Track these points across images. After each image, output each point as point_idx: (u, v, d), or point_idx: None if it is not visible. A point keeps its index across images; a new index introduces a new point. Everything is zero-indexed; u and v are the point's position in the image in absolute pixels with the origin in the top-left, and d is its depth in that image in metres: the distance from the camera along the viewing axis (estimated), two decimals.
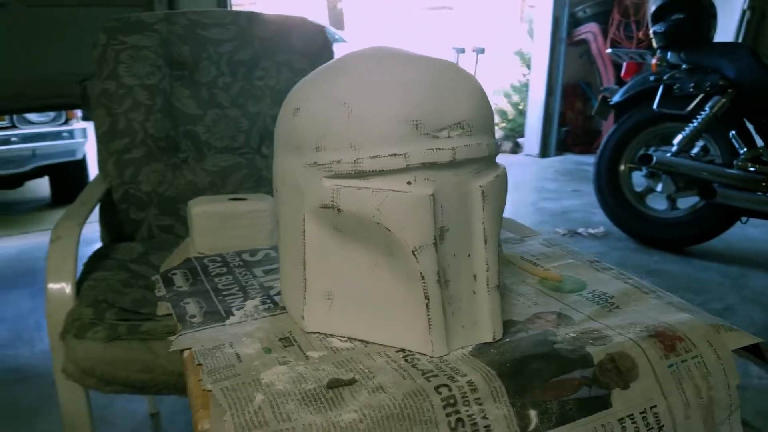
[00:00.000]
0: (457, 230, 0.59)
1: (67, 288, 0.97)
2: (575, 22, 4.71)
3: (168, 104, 1.41)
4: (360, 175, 0.57)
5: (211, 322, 0.65)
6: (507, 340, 0.62)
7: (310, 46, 1.56)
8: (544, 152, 4.96)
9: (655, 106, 2.64)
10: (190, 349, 0.59)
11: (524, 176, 4.37)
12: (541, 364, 0.57)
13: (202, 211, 1.04)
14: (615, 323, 0.64)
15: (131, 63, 1.40)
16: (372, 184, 0.56)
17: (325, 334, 0.62)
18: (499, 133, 5.64)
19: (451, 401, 0.52)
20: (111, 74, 1.39)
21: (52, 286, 0.97)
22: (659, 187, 2.75)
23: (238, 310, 0.67)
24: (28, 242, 2.77)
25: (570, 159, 4.84)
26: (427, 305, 0.58)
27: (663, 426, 0.58)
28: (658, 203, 2.85)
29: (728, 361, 0.63)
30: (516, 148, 5.28)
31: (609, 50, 3.33)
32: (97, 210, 1.35)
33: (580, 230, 3.03)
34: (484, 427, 0.52)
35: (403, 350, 0.59)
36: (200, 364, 0.57)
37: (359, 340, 0.61)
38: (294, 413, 0.49)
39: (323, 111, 0.58)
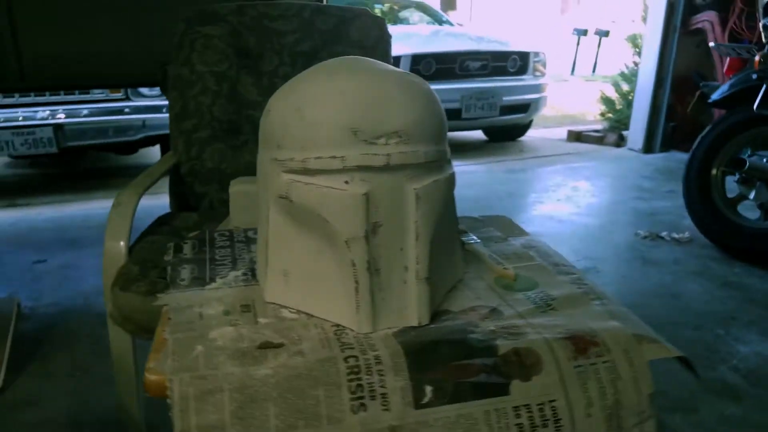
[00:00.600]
0: (390, 226, 0.67)
1: (121, 247, 1.14)
2: (692, 10, 4.44)
3: (233, 90, 1.57)
4: (308, 172, 0.66)
5: (194, 286, 0.78)
6: (432, 326, 0.69)
7: (366, 39, 1.65)
8: (648, 148, 4.74)
9: (755, 106, 2.48)
10: (167, 306, 0.72)
11: (622, 172, 4.22)
12: (447, 349, 0.64)
13: (239, 190, 1.18)
14: (540, 322, 0.70)
15: (203, 51, 1.56)
16: (316, 180, 0.66)
17: (279, 305, 0.73)
18: (603, 125, 5.44)
19: (356, 370, 0.61)
20: (185, 61, 1.56)
21: (109, 244, 1.14)
22: (752, 195, 2.60)
23: (221, 278, 0.80)
24: (141, 202, 3.11)
25: (674, 157, 4.60)
26: (356, 289, 0.67)
27: (560, 419, 0.63)
28: (749, 212, 2.69)
29: (642, 369, 0.66)
30: (620, 142, 5.08)
31: (712, 44, 3.14)
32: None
33: (663, 234, 2.92)
34: (381, 394, 0.61)
35: (338, 325, 0.69)
36: (170, 319, 0.69)
37: (305, 313, 0.71)
38: (222, 364, 0.61)
39: (283, 114, 0.68)
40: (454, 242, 0.80)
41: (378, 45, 1.66)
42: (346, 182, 0.65)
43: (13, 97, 3.02)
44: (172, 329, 0.67)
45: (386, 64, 0.73)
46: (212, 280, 0.79)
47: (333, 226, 0.66)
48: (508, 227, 1.02)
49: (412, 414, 0.61)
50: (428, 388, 0.62)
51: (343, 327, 0.68)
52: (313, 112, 0.66)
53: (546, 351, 0.65)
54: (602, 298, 0.77)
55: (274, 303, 0.73)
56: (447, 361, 0.64)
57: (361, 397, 0.61)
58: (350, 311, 0.67)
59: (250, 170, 1.55)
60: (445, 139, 0.72)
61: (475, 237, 0.95)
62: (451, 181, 0.72)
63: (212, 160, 1.54)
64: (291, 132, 0.67)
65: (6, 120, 2.99)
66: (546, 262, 0.87)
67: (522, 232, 1.00)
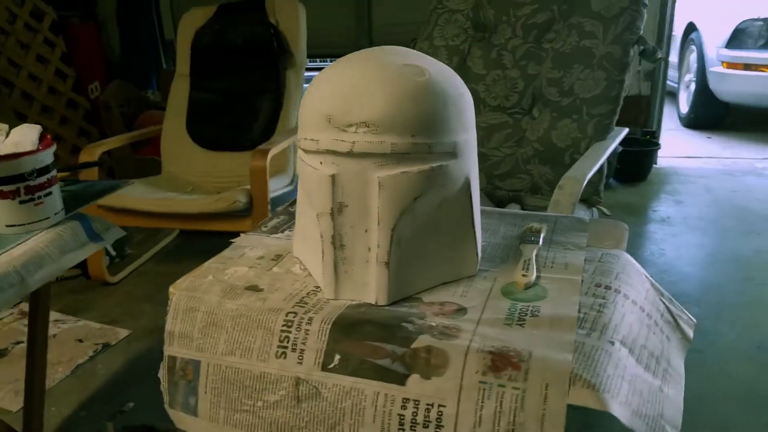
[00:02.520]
0: (355, 208, 0.73)
1: None
2: None
3: (462, 64, 1.66)
4: (303, 150, 0.77)
5: (269, 232, 0.96)
6: (386, 307, 0.74)
7: (610, 9, 1.52)
8: None
9: None
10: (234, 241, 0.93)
11: None
12: (371, 329, 0.69)
13: None
14: (487, 332, 0.67)
15: (444, 26, 1.68)
16: (306, 159, 0.76)
17: (298, 259, 0.86)
18: None
19: (289, 324, 0.72)
20: (428, 36, 1.71)
21: None
22: None
23: (289, 230, 0.97)
24: None
25: None
26: (323, 258, 0.76)
27: (443, 426, 0.63)
28: None
29: (556, 411, 0.60)
30: None
31: None
32: None
33: None
34: (300, 350, 0.70)
35: (317, 286, 0.79)
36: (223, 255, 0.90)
37: (306, 270, 0.83)
38: (210, 292, 0.78)
39: (302, 99, 0.79)
40: (460, 237, 0.80)
41: (622, 16, 1.51)
42: (321, 163, 0.74)
43: None
44: (217, 260, 0.87)
45: (402, 55, 0.76)
46: (282, 231, 0.97)
47: (311, 200, 0.76)
48: (611, 235, 0.91)
49: (317, 373, 0.69)
50: (337, 356, 0.69)
51: (318, 288, 0.78)
52: (307, 98, 0.75)
53: (457, 357, 0.64)
54: (595, 329, 0.68)
55: (297, 257, 0.87)
56: (363, 338, 0.69)
57: (285, 347, 0.71)
58: (321, 276, 0.77)
59: None
60: (439, 132, 0.72)
61: (541, 238, 0.89)
62: (434, 174, 0.72)
63: None
64: (299, 114, 0.78)
65: None
66: (589, 279, 0.78)
67: (619, 243, 0.88)
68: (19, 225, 0.96)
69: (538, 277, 0.79)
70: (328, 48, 3.07)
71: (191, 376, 0.77)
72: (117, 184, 1.22)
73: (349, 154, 0.71)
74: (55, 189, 1.00)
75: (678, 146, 3.79)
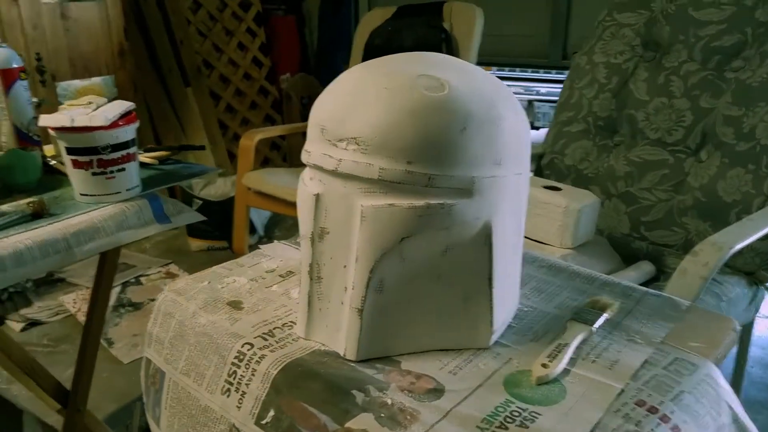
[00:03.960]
0: (337, 236, 0.61)
1: None
2: None
3: (621, 85, 1.41)
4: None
5: (295, 243, 0.88)
6: (351, 363, 0.60)
7: None
8: None
9: None
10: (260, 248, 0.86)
11: None
12: (316, 388, 0.57)
13: None
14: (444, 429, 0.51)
15: (609, 41, 1.45)
16: (304, 173, 0.66)
17: None
18: None
19: (241, 358, 0.62)
20: (589, 50, 1.48)
21: None
22: None
23: None
24: None
25: None
26: (300, 288, 0.65)
27: None
28: None
29: None
30: None
31: None
32: None
33: None
34: (242, 392, 0.60)
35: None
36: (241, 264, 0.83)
37: None
38: (193, 301, 0.71)
39: None
40: (470, 298, 0.62)
41: None
42: (310, 179, 0.63)
43: None
44: (228, 265, 0.81)
45: (429, 64, 0.61)
46: None
47: (299, 220, 0.65)
48: (705, 334, 0.66)
49: (250, 426, 0.59)
50: (271, 412, 0.58)
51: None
52: (314, 104, 0.65)
53: None
54: None
55: None
56: (302, 398, 0.57)
57: (231, 384, 0.62)
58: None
59: (609, 174, 1.37)
60: (447, 163, 0.57)
61: (602, 318, 0.67)
62: (431, 213, 0.57)
63: (573, 157, 1.45)
64: None
65: None
66: (634, 391, 0.56)
67: (712, 347, 0.63)
68: (90, 195, 1.00)
69: (566, 371, 0.60)
70: (513, 56, 2.90)
71: (158, 385, 0.71)
72: (207, 169, 1.23)
73: (335, 173, 0.59)
74: (131, 166, 1.02)
75: None
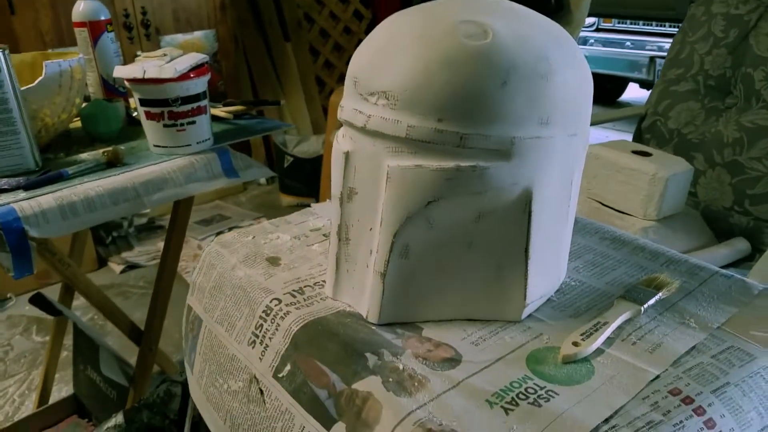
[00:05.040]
0: (365, 198, 0.58)
1: None
2: None
3: (741, 40, 1.25)
4: None
5: None
6: (372, 326, 0.59)
7: None
8: None
9: None
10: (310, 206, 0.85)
11: None
12: (331, 347, 0.56)
13: None
14: (452, 404, 0.48)
15: None
16: (339, 129, 0.64)
17: None
18: None
19: (268, 312, 0.62)
20: (708, 0, 1.32)
21: None
22: None
23: None
24: None
25: None
26: (329, 248, 0.63)
27: None
28: None
29: None
30: None
31: None
32: None
33: None
34: (265, 345, 0.61)
35: None
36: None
37: None
38: (236, 253, 0.72)
39: None
40: (504, 267, 0.58)
41: None
42: (342, 136, 0.61)
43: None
44: (276, 221, 0.81)
45: (478, 9, 0.56)
46: None
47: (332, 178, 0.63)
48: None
49: (268, 378, 0.59)
50: (288, 366, 0.58)
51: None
52: (354, 55, 0.62)
53: (387, 421, 0.48)
54: None
55: None
56: (317, 356, 0.56)
57: (257, 336, 0.62)
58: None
59: (717, 141, 1.22)
60: (483, 120, 0.52)
61: (655, 298, 0.61)
62: (462, 176, 0.53)
63: (677, 120, 1.31)
64: None
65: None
66: (671, 378, 0.51)
67: None
68: (163, 147, 1.04)
69: (600, 351, 0.54)
70: (635, 8, 2.67)
71: (196, 331, 0.74)
72: (281, 124, 1.24)
73: (364, 130, 0.57)
74: (202, 119, 1.04)
75: None
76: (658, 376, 0.51)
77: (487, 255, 0.58)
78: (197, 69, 1.03)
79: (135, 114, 1.20)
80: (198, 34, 2.17)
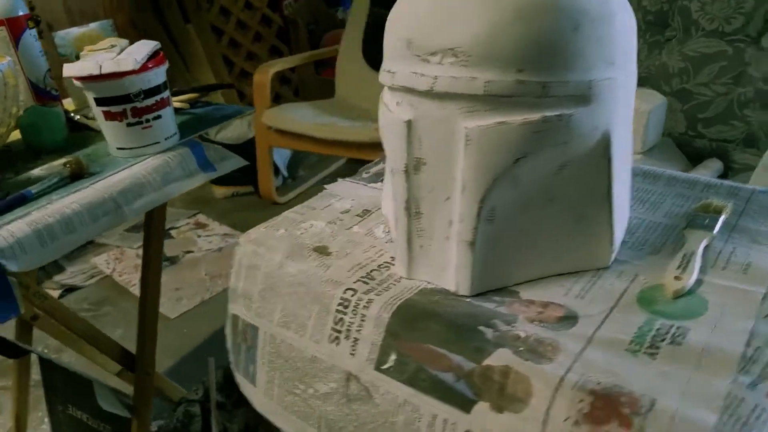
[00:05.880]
0: (436, 167, 0.55)
1: None
2: None
3: None
4: (384, 85, 0.60)
5: (366, 181, 0.82)
6: (466, 298, 0.56)
7: None
8: None
9: None
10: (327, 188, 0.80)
11: None
12: (437, 328, 0.53)
13: None
14: (596, 360, 0.47)
15: None
16: (384, 96, 0.59)
17: (386, 218, 0.70)
18: None
19: (346, 304, 0.58)
20: None
21: None
22: None
23: None
24: None
25: None
26: (396, 226, 0.60)
27: None
28: None
29: None
30: None
31: None
32: None
33: None
34: (354, 338, 0.57)
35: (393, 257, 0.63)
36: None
37: (389, 234, 0.67)
38: (276, 251, 0.66)
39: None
40: (588, 216, 0.57)
41: None
42: (397, 104, 0.56)
43: None
44: (298, 209, 0.75)
45: None
46: (383, 180, 0.81)
47: (386, 151, 0.59)
48: None
49: (370, 372, 0.55)
50: (393, 356, 0.54)
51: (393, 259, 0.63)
52: (391, 16, 0.57)
53: (544, 391, 0.46)
54: (766, 378, 0.44)
55: (385, 215, 0.71)
56: (426, 340, 0.53)
57: (339, 332, 0.58)
58: (395, 249, 0.61)
59: (663, 73, 1.28)
60: (563, 67, 0.50)
61: (719, 221, 0.62)
62: (548, 128, 0.51)
63: None
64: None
65: None
66: None
67: None
68: (128, 149, 0.93)
69: (699, 281, 0.55)
70: None
71: (250, 341, 0.68)
72: (242, 109, 1.16)
73: (429, 94, 0.53)
74: (166, 112, 0.95)
75: None
76: (765, 294, 0.52)
77: (568, 206, 0.57)
78: (154, 58, 0.93)
79: (77, 117, 1.07)
80: (94, 25, 1.96)
